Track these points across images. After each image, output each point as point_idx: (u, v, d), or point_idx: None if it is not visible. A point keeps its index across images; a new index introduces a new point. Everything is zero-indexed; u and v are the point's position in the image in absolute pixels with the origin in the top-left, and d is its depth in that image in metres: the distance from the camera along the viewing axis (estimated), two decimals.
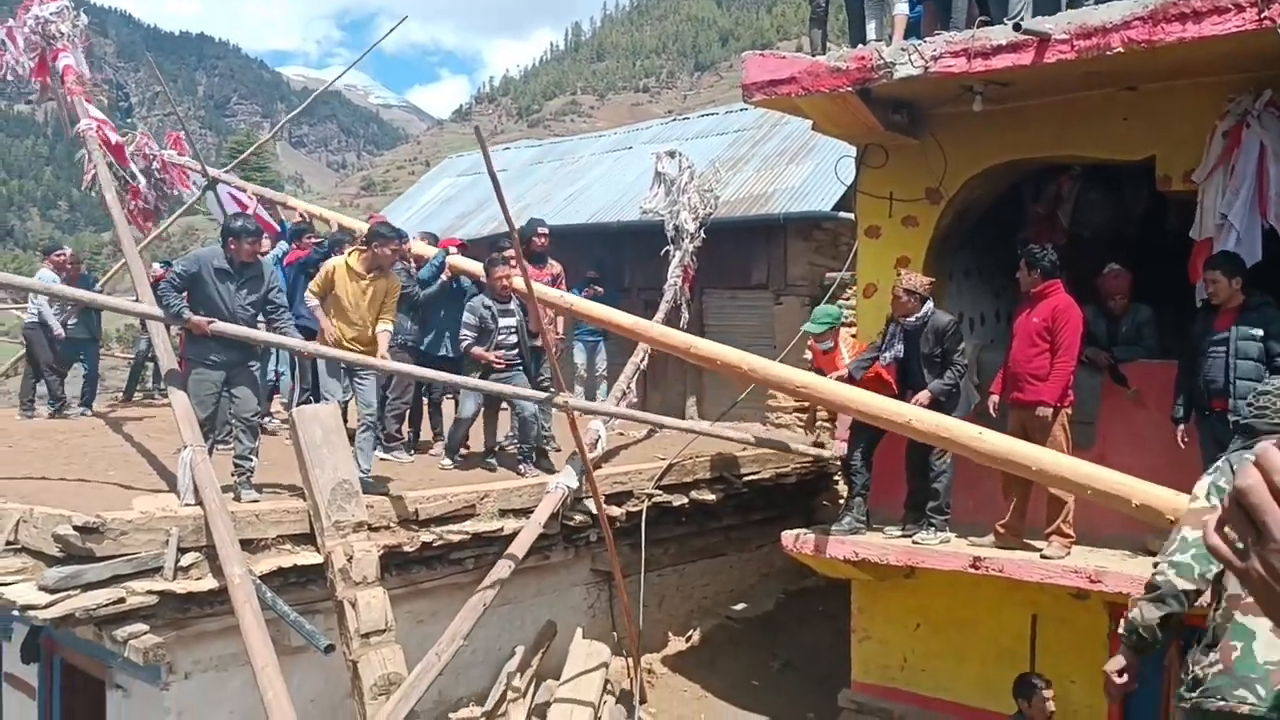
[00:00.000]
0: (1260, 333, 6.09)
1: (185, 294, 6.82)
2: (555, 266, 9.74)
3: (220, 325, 6.72)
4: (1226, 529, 1.03)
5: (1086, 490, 6.03)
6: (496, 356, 8.18)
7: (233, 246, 6.86)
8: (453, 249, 9.44)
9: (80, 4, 11.97)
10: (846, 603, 8.29)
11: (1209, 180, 6.60)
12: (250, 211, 10.70)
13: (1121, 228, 8.69)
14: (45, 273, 10.90)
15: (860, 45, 7.60)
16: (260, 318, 7.20)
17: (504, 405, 8.99)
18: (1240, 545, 1.01)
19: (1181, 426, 6.46)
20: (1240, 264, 6.22)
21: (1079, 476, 5.99)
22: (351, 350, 7.41)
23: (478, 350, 8.19)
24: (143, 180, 10.94)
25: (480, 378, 8.05)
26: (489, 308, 8.28)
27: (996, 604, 7.24)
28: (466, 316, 8.26)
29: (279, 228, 10.81)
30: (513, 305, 8.41)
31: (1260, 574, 0.98)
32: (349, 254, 7.67)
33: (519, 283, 8.01)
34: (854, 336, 8.54)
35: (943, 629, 7.70)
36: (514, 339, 8.34)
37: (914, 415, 6.65)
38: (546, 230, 9.86)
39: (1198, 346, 6.36)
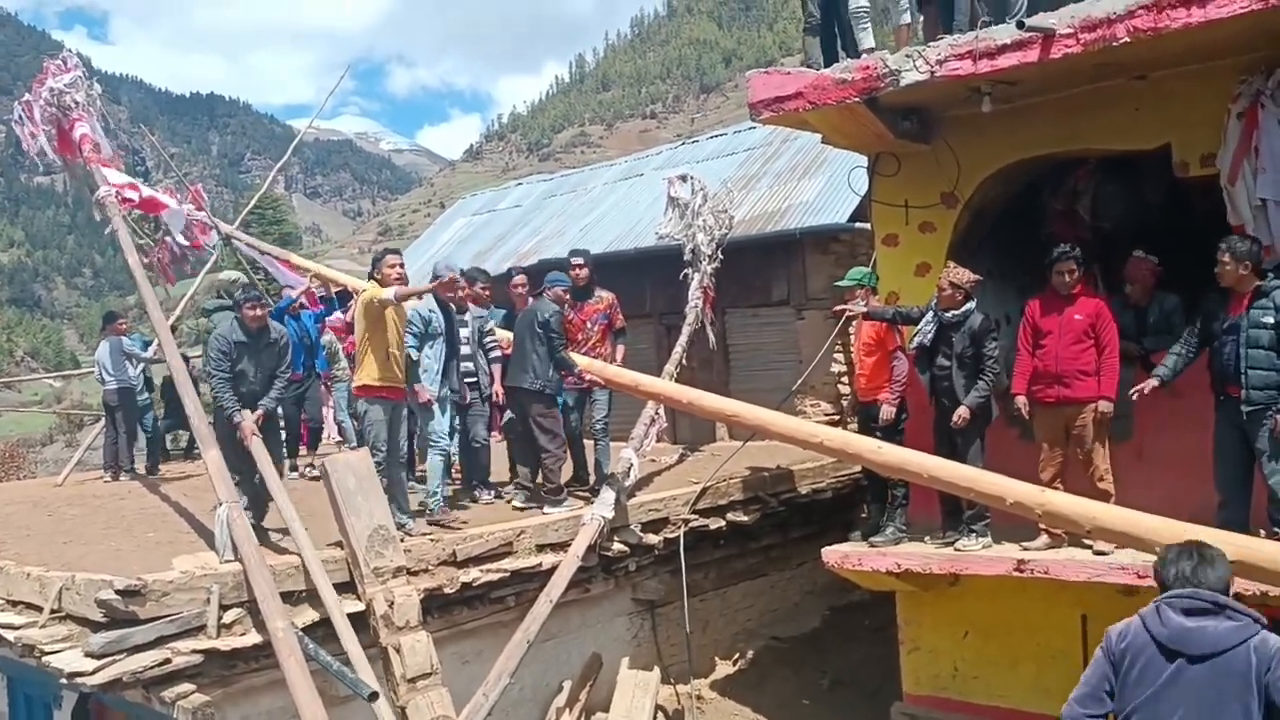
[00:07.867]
0: (1272, 320, 5.94)
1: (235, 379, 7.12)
2: (604, 297, 9.16)
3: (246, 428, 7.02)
4: None
5: (970, 493, 6.41)
6: None
7: (245, 313, 7.11)
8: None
9: (93, 73, 12.19)
10: (892, 615, 8.19)
11: (1235, 168, 6.53)
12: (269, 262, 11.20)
13: (1143, 218, 8.60)
14: (128, 340, 11.24)
15: (864, 54, 7.60)
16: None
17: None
18: None
19: None
20: (1252, 250, 6.09)
21: (961, 479, 6.37)
22: (397, 372, 7.38)
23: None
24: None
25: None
26: (433, 312, 7.92)
27: (1045, 606, 7.12)
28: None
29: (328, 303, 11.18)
30: (467, 316, 8.49)
31: None
32: (362, 292, 7.67)
33: None
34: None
35: (992, 634, 7.59)
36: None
37: (824, 435, 7.15)
38: (580, 261, 9.13)
39: (1212, 332, 6.28)
